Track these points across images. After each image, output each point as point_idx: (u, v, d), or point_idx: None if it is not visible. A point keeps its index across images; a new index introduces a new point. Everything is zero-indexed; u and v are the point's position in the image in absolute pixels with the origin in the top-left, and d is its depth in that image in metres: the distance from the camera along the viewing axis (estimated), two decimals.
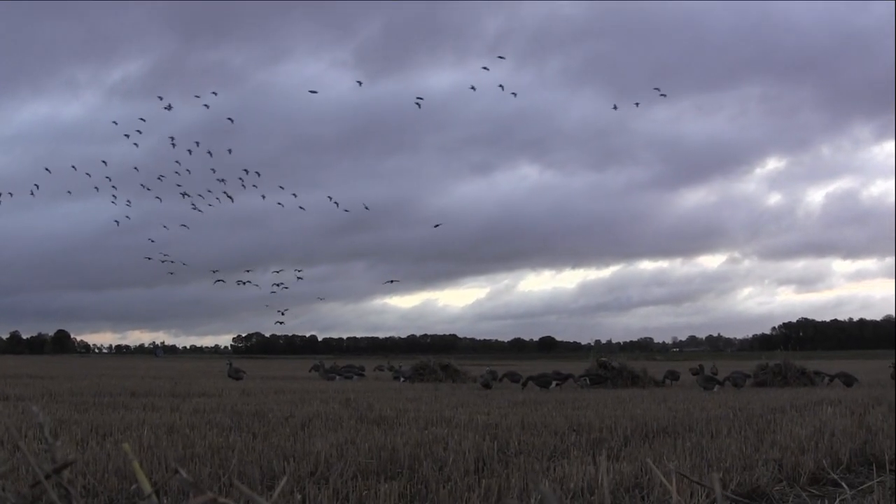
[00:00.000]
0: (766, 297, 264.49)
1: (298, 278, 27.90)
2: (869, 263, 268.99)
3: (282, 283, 30.60)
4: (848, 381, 25.46)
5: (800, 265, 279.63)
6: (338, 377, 31.20)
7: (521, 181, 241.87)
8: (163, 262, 27.53)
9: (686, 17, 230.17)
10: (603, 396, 18.86)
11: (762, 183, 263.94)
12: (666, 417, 12.58)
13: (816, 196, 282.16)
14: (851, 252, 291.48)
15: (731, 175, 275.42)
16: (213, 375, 31.77)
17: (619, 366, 26.89)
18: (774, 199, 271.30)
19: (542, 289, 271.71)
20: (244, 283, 29.03)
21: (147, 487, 2.10)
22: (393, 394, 19.69)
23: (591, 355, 29.41)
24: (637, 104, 47.35)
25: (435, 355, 35.70)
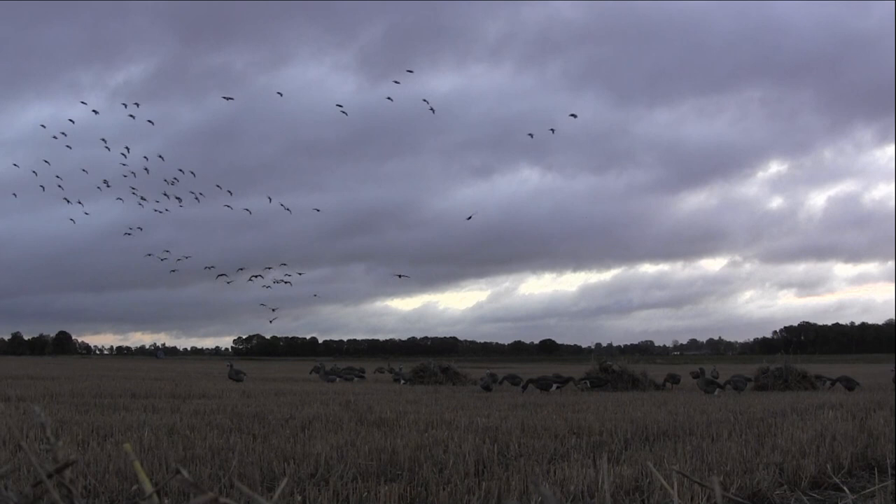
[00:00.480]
0: (768, 301, 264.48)
1: (299, 274, 27.77)
2: (871, 267, 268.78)
3: (285, 278, 30.47)
4: (849, 384, 25.43)
5: (801, 269, 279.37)
6: (338, 379, 31.22)
7: (522, 184, 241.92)
8: (163, 259, 27.45)
9: (686, 19, 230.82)
10: (603, 399, 18.85)
11: (764, 186, 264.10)
12: (666, 421, 12.56)
13: (818, 199, 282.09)
14: (853, 256, 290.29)
15: (732, 178, 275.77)
16: (214, 377, 31.78)
17: (619, 369, 26.90)
18: (776, 202, 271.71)
19: (543, 291, 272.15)
20: (255, 278, 28.93)
21: (148, 487, 2.10)
22: (393, 396, 19.69)
23: (592, 358, 29.42)
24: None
25: (435, 358, 35.73)
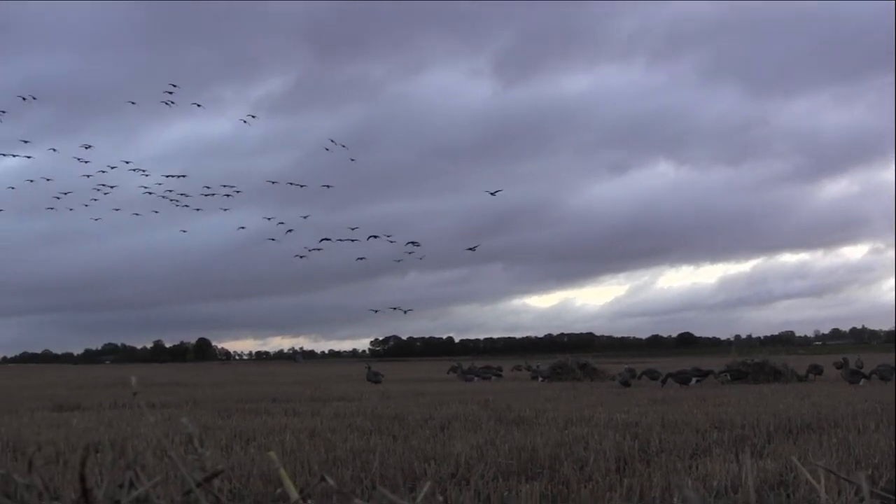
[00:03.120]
0: None
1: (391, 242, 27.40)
2: None
3: (413, 242, 30.42)
4: None
5: None
6: (476, 378, 31.26)
7: (658, 179, 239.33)
8: (302, 257, 27.69)
9: (818, 7, 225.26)
10: (744, 392, 18.57)
11: None
12: (810, 413, 12.34)
13: None
14: None
15: (873, 164, 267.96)
16: (352, 379, 32.11)
17: (760, 361, 26.45)
18: None
19: (681, 284, 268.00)
20: (375, 238, 28.95)
21: (294, 494, 2.14)
22: (531, 394, 19.67)
23: (732, 350, 28.99)
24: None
25: (572, 354, 35.52)
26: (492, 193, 27.83)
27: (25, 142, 30.92)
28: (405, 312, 29.96)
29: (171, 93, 27.99)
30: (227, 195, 29.30)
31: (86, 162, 29.55)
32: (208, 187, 29.12)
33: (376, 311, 29.81)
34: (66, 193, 30.95)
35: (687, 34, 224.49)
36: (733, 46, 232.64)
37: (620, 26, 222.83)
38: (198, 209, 30.99)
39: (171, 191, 29.41)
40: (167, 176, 29.60)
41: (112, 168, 30.41)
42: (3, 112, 28.15)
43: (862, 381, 22.45)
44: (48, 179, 30.72)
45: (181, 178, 29.13)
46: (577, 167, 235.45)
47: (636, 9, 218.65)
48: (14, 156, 31.45)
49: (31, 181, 30.91)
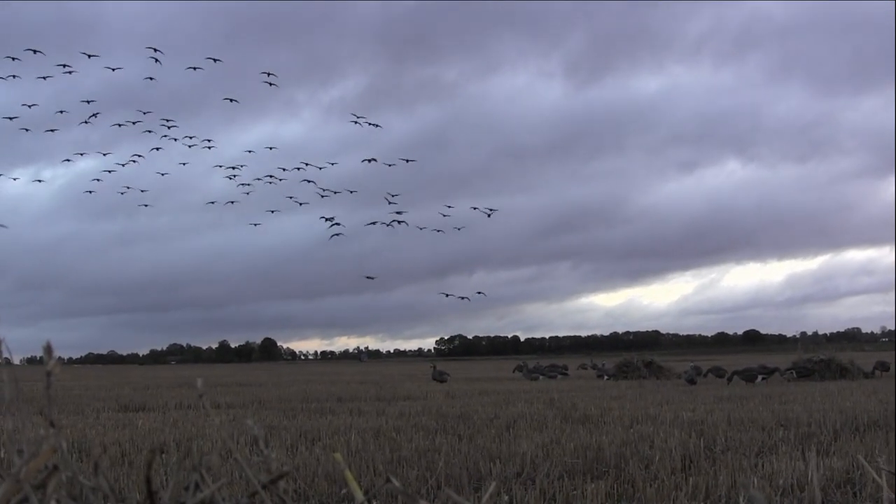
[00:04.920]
0: None
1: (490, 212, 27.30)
2: None
3: (481, 292, 30.67)
4: None
5: None
6: (541, 377, 31.24)
7: (727, 177, 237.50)
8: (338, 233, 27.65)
9: (884, 6, 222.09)
10: (810, 389, 18.43)
11: None
12: (876, 410, 12.24)
13: None
14: None
15: None
16: (418, 378, 32.19)
17: (826, 358, 26.19)
18: None
19: (749, 282, 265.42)
20: (447, 296, 29.14)
21: (359, 495, 2.20)
22: (597, 392, 19.66)
23: (798, 347, 28.72)
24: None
25: (638, 352, 35.40)
26: (488, 215, 27.62)
27: (102, 151, 31.34)
28: (473, 297, 29.85)
29: (270, 83, 28.16)
30: (297, 201, 29.46)
31: (163, 173, 30.02)
32: (273, 180, 29.30)
33: (447, 296, 29.81)
34: (141, 190, 31.42)
35: (755, 34, 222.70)
36: (800, 46, 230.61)
37: (690, 28, 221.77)
38: (272, 210, 31.27)
39: (246, 190, 29.65)
40: (231, 177, 29.81)
41: (184, 167, 30.83)
42: (70, 113, 28.60)
43: None
44: (127, 187, 31.16)
45: (263, 180, 29.33)
46: (646, 167, 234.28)
47: (706, 10, 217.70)
48: (81, 154, 31.93)
49: (98, 180, 31.34)
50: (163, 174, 31.24)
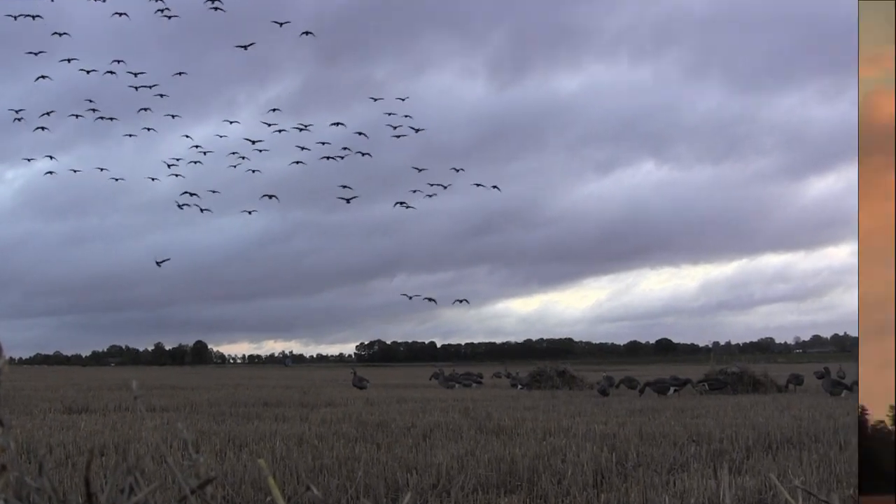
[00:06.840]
0: None
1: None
2: None
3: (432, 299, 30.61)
4: None
5: None
6: (457, 385, 31.38)
7: (642, 178, 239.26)
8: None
9: (802, 3, 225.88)
10: (723, 403, 18.65)
11: None
12: (790, 426, 12.40)
13: None
14: None
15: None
16: (339, 384, 32.29)
17: (739, 370, 26.48)
18: None
19: (662, 287, 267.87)
20: (410, 298, 29.09)
21: (281, 503, 2.23)
22: (511, 402, 19.75)
23: (710, 359, 29.07)
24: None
25: (551, 361, 35.57)
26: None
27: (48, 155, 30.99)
28: (428, 299, 29.76)
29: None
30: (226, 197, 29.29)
31: (101, 169, 29.69)
32: (214, 191, 29.18)
33: (410, 298, 29.73)
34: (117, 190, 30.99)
35: (673, 30, 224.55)
36: (718, 41, 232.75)
37: (608, 24, 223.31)
38: (204, 210, 31.15)
39: (190, 193, 29.49)
40: (175, 176, 29.61)
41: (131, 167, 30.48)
42: (21, 120, 28.20)
43: (844, 393, 22.33)
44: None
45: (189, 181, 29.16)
46: (564, 168, 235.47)
47: (626, 5, 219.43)
48: (28, 160, 31.54)
49: (49, 180, 30.97)
50: (117, 180, 30.89)
